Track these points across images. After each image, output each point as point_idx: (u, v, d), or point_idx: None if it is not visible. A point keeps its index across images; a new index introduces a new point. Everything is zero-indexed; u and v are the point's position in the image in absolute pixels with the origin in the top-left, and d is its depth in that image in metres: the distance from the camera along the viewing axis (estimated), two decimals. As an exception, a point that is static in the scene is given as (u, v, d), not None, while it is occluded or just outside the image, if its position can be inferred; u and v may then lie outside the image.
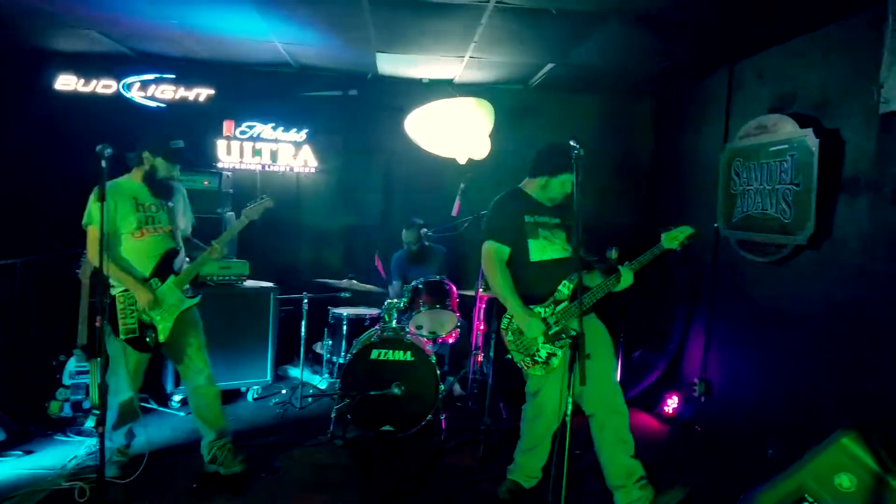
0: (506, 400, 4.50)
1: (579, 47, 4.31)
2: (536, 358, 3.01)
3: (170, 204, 3.35)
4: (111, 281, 3.20)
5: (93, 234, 3.13)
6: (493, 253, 3.06)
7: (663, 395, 4.82)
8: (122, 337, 3.16)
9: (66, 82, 5.15)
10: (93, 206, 3.09)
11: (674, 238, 2.98)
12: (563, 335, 2.96)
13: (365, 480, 3.48)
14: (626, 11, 3.53)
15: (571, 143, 2.58)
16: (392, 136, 5.53)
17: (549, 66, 4.90)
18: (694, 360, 4.88)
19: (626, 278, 2.97)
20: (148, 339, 3.21)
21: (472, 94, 5.48)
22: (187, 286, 3.36)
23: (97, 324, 2.52)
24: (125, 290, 3.17)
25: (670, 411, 4.73)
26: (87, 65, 5.17)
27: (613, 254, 3.95)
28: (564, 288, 3.00)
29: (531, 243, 3.05)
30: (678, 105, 5.51)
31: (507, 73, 5.29)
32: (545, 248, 3.05)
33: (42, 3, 3.84)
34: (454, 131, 5.51)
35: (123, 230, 3.18)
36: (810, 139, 3.51)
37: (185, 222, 3.52)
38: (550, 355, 2.99)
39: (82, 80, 5.17)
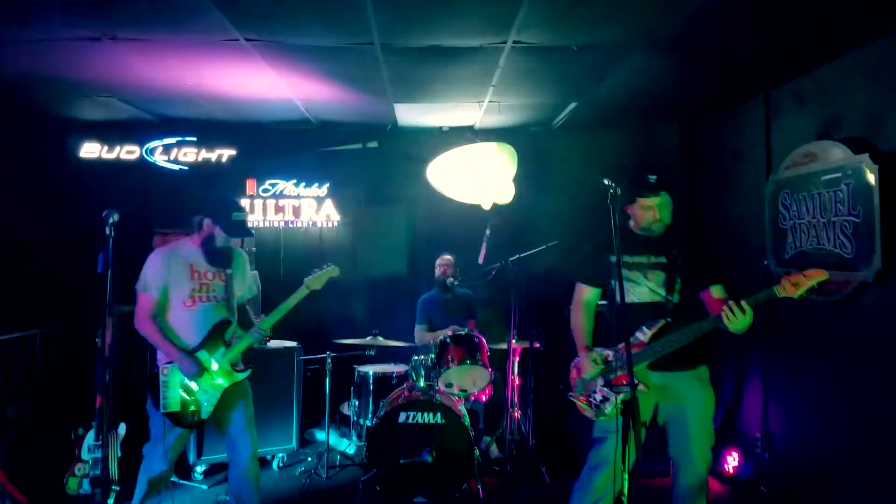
0: (548, 462, 4.14)
1: (603, 83, 4.13)
2: (591, 398, 2.85)
3: (228, 272, 3.17)
4: (158, 353, 3.06)
5: (147, 300, 3.00)
6: (579, 293, 3.04)
7: (722, 452, 4.38)
8: (162, 411, 2.98)
9: (90, 150, 5.21)
10: (147, 270, 3.00)
11: (796, 284, 2.50)
12: (625, 383, 2.69)
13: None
14: (652, 40, 3.34)
15: (605, 181, 2.38)
16: (414, 186, 5.40)
17: (572, 105, 4.72)
18: (752, 411, 4.45)
19: (742, 319, 2.52)
20: (190, 416, 3.02)
21: (493, 138, 5.34)
22: (237, 359, 3.16)
23: (97, 404, 2.30)
24: (169, 362, 3.00)
25: (731, 470, 4.29)
26: (110, 132, 5.23)
27: None
28: (640, 333, 2.78)
29: (614, 284, 2.82)
30: (711, 136, 5.24)
31: (529, 116, 5.13)
32: (628, 291, 2.83)
33: (59, 72, 3.86)
34: (477, 177, 5.36)
35: (175, 297, 3.03)
36: (867, 165, 3.20)
37: (241, 291, 3.31)
38: (605, 399, 2.80)
39: (106, 147, 5.22)
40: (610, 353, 2.87)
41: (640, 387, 2.72)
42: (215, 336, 3.06)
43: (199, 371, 2.97)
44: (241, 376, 3.12)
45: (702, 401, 2.83)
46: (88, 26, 3.05)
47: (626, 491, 2.18)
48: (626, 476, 2.20)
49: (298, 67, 3.77)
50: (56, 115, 4.99)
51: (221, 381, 3.06)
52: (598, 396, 2.83)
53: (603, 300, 3.05)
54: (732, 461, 4.29)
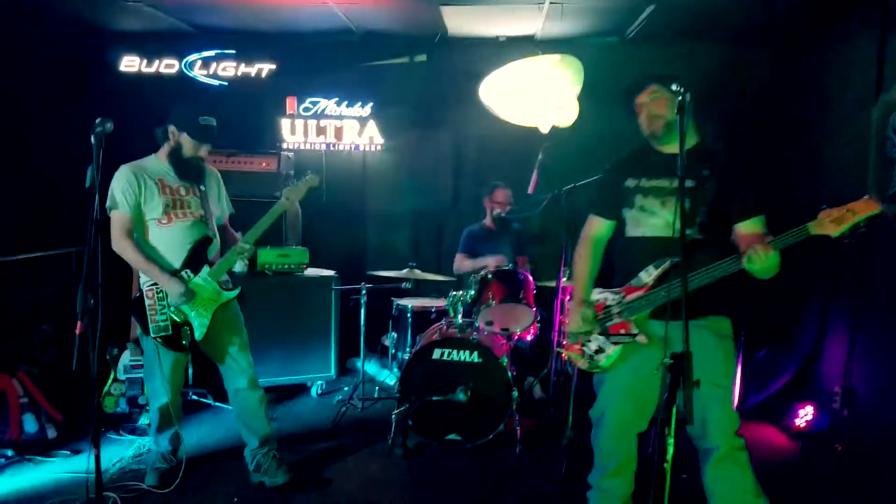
0: (592, 405, 3.85)
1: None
2: (584, 347, 2.48)
3: (201, 187, 2.99)
4: (140, 275, 2.93)
5: (121, 219, 2.83)
6: (587, 225, 2.60)
7: (794, 405, 3.97)
8: (152, 335, 2.87)
9: (130, 63, 5.03)
10: (115, 186, 2.82)
11: (837, 220, 2.00)
12: (623, 332, 2.38)
13: (422, 501, 3.01)
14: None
15: (673, 87, 1.93)
16: (465, 107, 4.94)
17: (650, 7, 4.07)
18: (834, 363, 3.97)
19: (764, 261, 2.07)
20: (183, 338, 2.90)
21: (557, 51, 4.76)
22: (226, 277, 3.01)
23: (77, 331, 2.14)
24: (154, 284, 2.86)
25: (803, 424, 3.89)
26: (149, 44, 5.02)
27: None
28: (645, 274, 2.33)
29: (626, 213, 2.42)
30: (808, 52, 4.47)
31: (598, 23, 4.50)
32: (639, 222, 2.38)
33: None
34: (536, 95, 4.85)
35: (149, 216, 2.86)
36: None
37: (219, 210, 3.15)
38: (599, 350, 2.44)
39: (145, 61, 5.03)
40: (609, 296, 2.44)
41: (640, 338, 2.36)
42: (198, 254, 2.90)
43: (185, 291, 2.82)
44: (230, 294, 2.97)
45: (718, 360, 2.28)
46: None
47: (669, 459, 1.84)
48: (672, 441, 1.85)
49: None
50: (94, 24, 4.80)
51: (211, 300, 2.91)
52: (593, 346, 2.46)
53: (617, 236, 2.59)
54: (805, 415, 3.90)
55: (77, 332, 2.13)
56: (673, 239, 2.25)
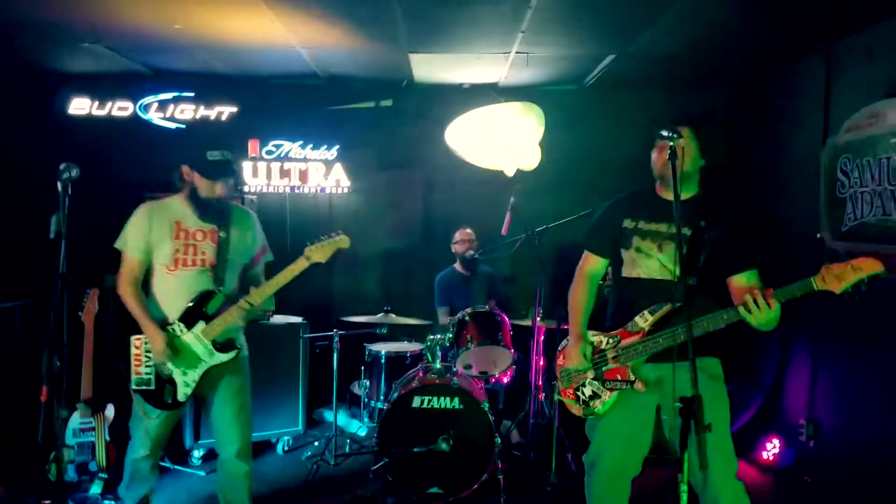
0: (574, 450, 3.81)
1: (647, 31, 3.66)
2: (578, 393, 2.45)
3: (221, 234, 2.74)
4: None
5: (128, 261, 2.65)
6: (582, 262, 2.60)
7: (760, 439, 4.07)
8: (133, 386, 2.65)
9: (79, 105, 4.80)
10: (127, 226, 2.66)
11: (839, 276, 1.98)
12: (619, 378, 2.36)
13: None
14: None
15: (664, 132, 1.97)
16: (431, 149, 4.99)
17: (609, 58, 4.24)
18: (797, 396, 4.10)
19: (767, 313, 2.04)
20: (166, 395, 2.66)
21: (518, 97, 4.89)
22: (229, 337, 2.76)
23: (42, 397, 1.94)
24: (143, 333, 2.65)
25: (770, 458, 4.00)
26: (101, 86, 4.81)
27: None
28: (641, 319, 2.31)
29: (623, 254, 2.43)
30: (760, 96, 4.76)
31: (559, 71, 4.65)
32: (635, 263, 2.38)
33: (34, 11, 3.45)
34: (500, 140, 4.94)
35: (158, 260, 2.67)
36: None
37: (246, 256, 2.86)
38: (595, 395, 2.41)
39: (97, 103, 4.81)
40: (604, 339, 2.43)
41: (637, 385, 2.34)
42: (196, 308, 2.68)
43: (163, 349, 2.59)
44: (224, 357, 2.70)
45: (714, 402, 2.19)
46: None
47: (685, 504, 1.81)
48: (685, 488, 1.83)
49: (299, 7, 3.33)
50: (42, 66, 4.58)
51: (202, 361, 2.68)
52: (588, 391, 2.43)
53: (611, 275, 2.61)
54: (773, 448, 4.01)
55: (42, 398, 1.90)
56: (668, 282, 2.32)
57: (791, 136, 4.30)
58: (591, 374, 2.42)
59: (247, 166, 4.95)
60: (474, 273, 4.68)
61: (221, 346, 2.72)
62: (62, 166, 2.15)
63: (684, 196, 2.32)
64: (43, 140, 4.75)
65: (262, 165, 4.98)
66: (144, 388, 2.65)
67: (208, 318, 2.68)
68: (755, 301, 2.04)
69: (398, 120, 5.17)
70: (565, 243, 4.48)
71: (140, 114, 4.87)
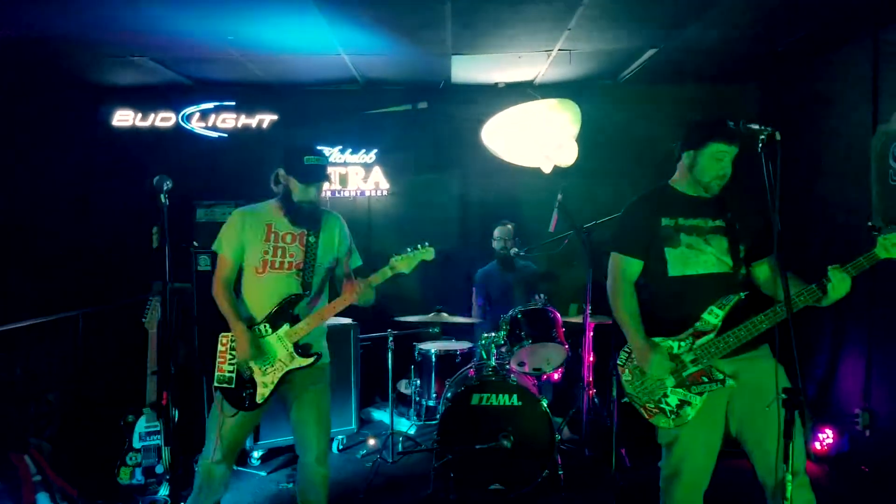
0: (628, 445, 3.82)
1: (692, 25, 3.66)
2: (663, 405, 2.32)
3: (310, 238, 2.76)
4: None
5: (221, 262, 2.70)
6: (617, 267, 2.46)
7: (813, 429, 4.03)
8: (215, 383, 2.68)
9: (123, 117, 4.90)
10: (222, 228, 2.72)
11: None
12: (706, 380, 2.28)
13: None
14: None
15: (754, 125, 1.98)
16: (468, 149, 5.03)
17: (650, 52, 4.24)
18: (851, 385, 4.07)
19: (840, 286, 2.13)
20: (245, 396, 2.69)
21: (553, 95, 4.93)
22: (311, 341, 2.76)
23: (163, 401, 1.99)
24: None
25: (823, 448, 3.95)
26: (144, 98, 4.92)
27: None
28: (711, 315, 2.27)
29: (668, 253, 2.35)
30: (800, 86, 4.72)
31: (596, 67, 4.66)
32: (688, 260, 2.33)
33: (88, 29, 3.53)
34: (536, 137, 4.97)
35: (248, 262, 2.71)
36: None
37: (334, 260, 2.88)
38: (683, 403, 2.30)
39: (140, 114, 4.91)
40: (674, 344, 2.31)
41: (729, 380, 2.27)
42: (283, 310, 2.70)
43: (248, 348, 2.63)
44: (303, 361, 2.70)
45: (780, 375, 2.18)
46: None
47: (789, 496, 1.82)
48: (790, 477, 1.84)
49: (352, 14, 3.37)
50: (86, 80, 4.68)
51: (282, 363, 2.71)
52: (674, 400, 2.31)
53: (642, 277, 2.47)
54: (826, 438, 3.96)
55: (163, 402, 1.94)
56: (725, 274, 2.33)
57: (837, 124, 4.26)
58: (670, 383, 2.33)
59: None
60: (514, 269, 4.69)
61: (303, 349, 2.73)
62: (156, 179, 2.18)
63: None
64: (86, 152, 4.86)
65: (302, 171, 5.04)
66: (225, 385, 2.68)
67: (293, 321, 2.71)
68: (841, 270, 2.11)
69: (434, 121, 5.21)
70: (605, 240, 4.50)
71: (182, 124, 4.96)
